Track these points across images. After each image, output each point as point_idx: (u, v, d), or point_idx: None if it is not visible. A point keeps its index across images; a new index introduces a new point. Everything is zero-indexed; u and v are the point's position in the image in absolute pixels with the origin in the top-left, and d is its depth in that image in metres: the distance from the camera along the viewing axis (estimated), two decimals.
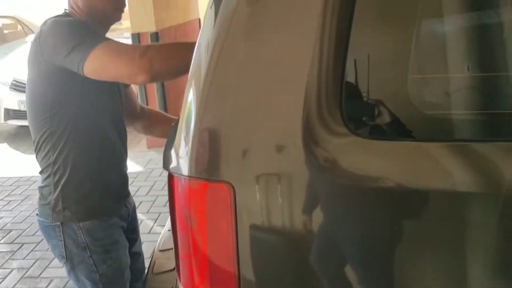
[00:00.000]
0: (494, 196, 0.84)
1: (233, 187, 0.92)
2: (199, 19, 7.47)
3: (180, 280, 1.05)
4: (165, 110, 5.23)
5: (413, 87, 0.95)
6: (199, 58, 0.96)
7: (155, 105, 5.24)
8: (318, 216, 0.92)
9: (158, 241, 1.75)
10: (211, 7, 0.98)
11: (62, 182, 1.51)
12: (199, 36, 0.99)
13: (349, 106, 0.90)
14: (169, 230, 1.74)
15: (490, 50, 0.94)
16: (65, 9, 1.57)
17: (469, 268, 0.88)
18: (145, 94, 5.23)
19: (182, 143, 0.98)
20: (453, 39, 0.96)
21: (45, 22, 1.47)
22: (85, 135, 1.51)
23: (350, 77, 0.92)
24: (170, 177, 1.02)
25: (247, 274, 0.96)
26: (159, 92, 5.20)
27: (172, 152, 1.02)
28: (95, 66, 1.36)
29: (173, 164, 1.01)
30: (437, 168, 0.87)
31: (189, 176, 0.96)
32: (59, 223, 1.53)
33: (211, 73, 0.93)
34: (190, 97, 0.97)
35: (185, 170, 0.96)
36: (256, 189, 0.92)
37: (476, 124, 0.94)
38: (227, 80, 0.93)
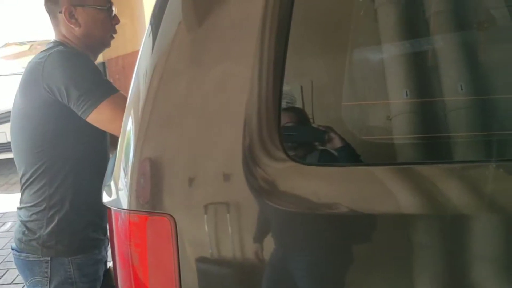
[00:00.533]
0: (436, 218, 0.86)
1: (174, 219, 0.90)
2: None
3: None
4: None
5: (348, 113, 0.97)
6: (138, 86, 0.94)
7: None
8: (262, 244, 0.91)
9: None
10: (149, 36, 0.97)
11: (58, 216, 1.45)
12: (136, 64, 0.97)
13: (287, 132, 0.91)
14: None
15: (422, 76, 0.97)
16: (54, 40, 1.51)
17: None
18: None
19: (122, 174, 0.95)
20: (386, 66, 0.99)
21: (48, 54, 1.40)
22: (86, 166, 1.46)
23: (287, 104, 0.93)
24: (109, 212, 0.98)
25: None
26: None
27: (112, 184, 0.99)
28: (101, 118, 1.35)
29: (113, 197, 0.98)
30: (374, 191, 0.88)
31: (129, 210, 0.92)
32: (48, 258, 1.47)
33: (151, 101, 0.91)
34: (129, 126, 0.94)
35: (124, 203, 0.93)
36: (198, 220, 0.90)
37: (405, 147, 0.97)
38: (168, 109, 0.92)
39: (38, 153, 1.42)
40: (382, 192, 0.88)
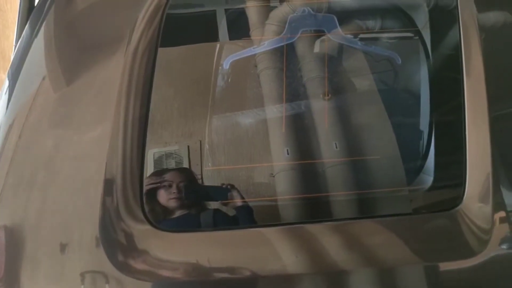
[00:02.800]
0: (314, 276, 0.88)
1: None
2: None
3: None
4: None
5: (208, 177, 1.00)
6: None
7: None
8: None
9: None
10: (5, 93, 0.92)
11: None
12: None
13: (149, 196, 0.91)
14: None
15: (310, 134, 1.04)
16: None
17: None
18: None
19: None
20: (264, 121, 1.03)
21: None
22: None
23: (150, 168, 0.94)
24: None
25: None
26: None
27: None
28: None
29: None
30: (238, 254, 0.88)
31: None
32: None
33: (8, 162, 0.84)
34: None
35: None
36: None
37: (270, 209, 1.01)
38: (28, 171, 0.85)
39: None
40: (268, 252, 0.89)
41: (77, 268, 0.83)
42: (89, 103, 0.88)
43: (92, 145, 0.87)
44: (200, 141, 0.97)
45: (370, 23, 1.09)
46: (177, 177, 0.97)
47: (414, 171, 1.03)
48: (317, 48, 1.07)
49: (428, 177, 1.01)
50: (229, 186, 0.96)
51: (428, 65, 1.07)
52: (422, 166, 1.03)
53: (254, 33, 1.05)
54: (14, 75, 0.91)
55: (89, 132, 0.88)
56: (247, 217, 0.96)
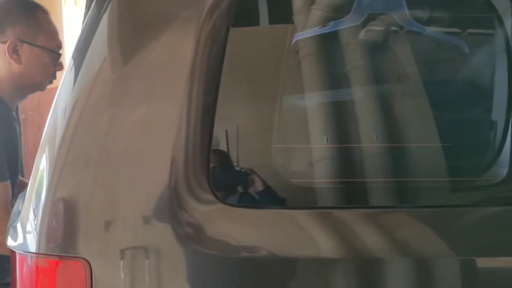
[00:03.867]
0: (355, 262, 0.87)
1: (89, 264, 0.83)
2: None
3: None
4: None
5: (278, 157, 0.98)
6: (55, 123, 0.90)
7: None
8: None
9: None
10: (70, 70, 0.93)
11: None
12: (55, 99, 0.93)
13: (217, 174, 0.89)
14: None
15: (346, 123, 1.02)
16: None
17: None
18: None
19: (31, 215, 0.88)
20: (312, 113, 1.02)
21: None
22: None
23: (218, 146, 0.92)
24: (14, 256, 0.89)
25: None
26: None
27: (18, 226, 0.91)
28: None
29: (19, 240, 0.90)
30: (303, 236, 0.88)
31: (37, 253, 0.85)
32: None
33: (68, 139, 0.87)
34: (43, 164, 0.89)
35: (32, 246, 0.86)
36: (119, 265, 0.85)
37: (338, 192, 0.99)
38: (87, 148, 0.88)
39: None
40: (309, 236, 0.88)
41: (136, 243, 0.85)
42: (156, 82, 0.89)
43: (158, 123, 0.88)
44: (237, 126, 0.96)
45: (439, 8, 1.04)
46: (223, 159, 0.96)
47: (484, 163, 0.99)
48: (366, 35, 1.03)
49: (502, 170, 0.96)
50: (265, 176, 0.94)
51: (507, 52, 1.02)
52: (495, 159, 0.98)
53: (297, 18, 1.02)
54: (80, 54, 0.91)
55: (155, 109, 0.89)
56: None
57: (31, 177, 0.92)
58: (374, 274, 0.86)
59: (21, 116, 4.81)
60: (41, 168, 0.89)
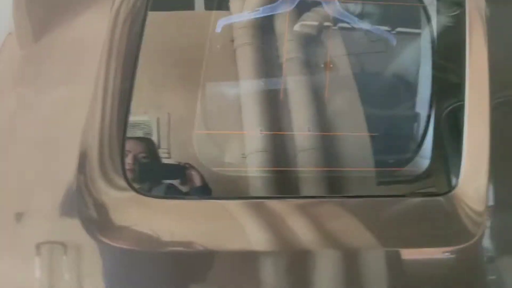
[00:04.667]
0: (285, 254, 0.87)
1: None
2: None
3: None
4: None
5: (199, 145, 0.95)
6: None
7: None
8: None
9: None
10: None
11: None
12: None
13: (132, 164, 0.86)
14: None
15: (279, 114, 1.00)
16: None
17: None
18: None
19: None
20: (245, 102, 1.00)
21: None
22: None
23: (134, 134, 0.89)
24: None
25: None
26: None
27: None
28: None
29: None
30: (223, 226, 0.86)
31: None
32: None
33: None
34: None
35: None
36: (29, 262, 0.78)
37: (267, 182, 0.98)
38: None
39: None
40: (233, 227, 0.86)
41: (43, 238, 0.79)
42: (68, 63, 0.84)
43: (69, 107, 0.82)
44: (169, 114, 0.93)
45: None
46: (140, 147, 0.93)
47: (407, 153, 1.03)
48: (300, 27, 1.04)
49: (424, 160, 1.00)
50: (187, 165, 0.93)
51: (432, 44, 1.06)
52: (418, 149, 1.02)
53: (233, 4, 1.01)
54: None
55: (67, 92, 0.83)
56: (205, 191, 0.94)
57: None
58: (304, 266, 0.86)
59: None
60: None
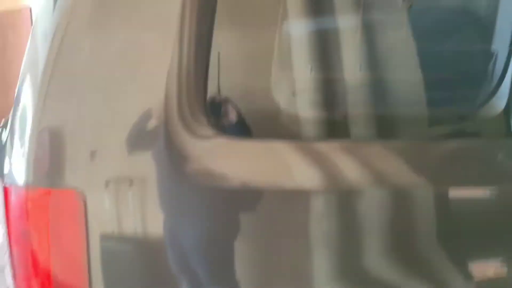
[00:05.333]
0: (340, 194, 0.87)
1: (82, 193, 0.81)
2: (30, 8, 6.75)
3: None
4: None
5: (275, 88, 0.95)
6: (35, 48, 0.83)
7: None
8: (176, 223, 0.86)
9: None
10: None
11: None
12: (34, 22, 0.86)
13: (213, 106, 0.86)
14: None
15: (330, 53, 0.98)
16: None
17: (314, 266, 0.88)
18: None
19: (17, 147, 0.84)
20: (297, 41, 0.97)
21: None
22: None
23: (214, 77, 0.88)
24: (2, 188, 0.86)
25: None
26: None
27: (3, 158, 0.87)
28: None
29: (5, 171, 0.86)
30: (298, 167, 0.86)
31: (26, 184, 0.82)
32: None
33: (51, 66, 0.81)
34: (25, 93, 0.83)
35: (20, 177, 0.82)
36: (108, 194, 0.83)
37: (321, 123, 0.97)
38: (71, 75, 0.82)
39: None
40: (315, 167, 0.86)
41: (128, 172, 0.83)
42: (146, 7, 0.83)
43: (151, 48, 0.83)
44: (218, 53, 0.91)
45: None
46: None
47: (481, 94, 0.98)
48: None
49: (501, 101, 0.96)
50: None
51: None
52: (495, 90, 0.97)
53: None
54: None
55: (146, 35, 0.83)
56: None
57: (14, 106, 0.86)
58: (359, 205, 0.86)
59: None
60: (23, 97, 0.84)
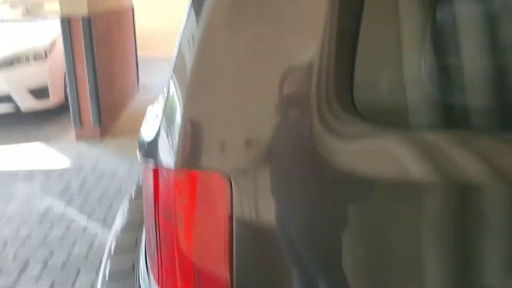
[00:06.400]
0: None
1: (229, 177, 0.83)
2: (133, 8, 7.17)
3: (159, 284, 0.93)
4: (97, 100, 4.96)
5: (430, 72, 0.89)
6: (182, 52, 0.87)
7: (86, 94, 4.95)
8: (322, 212, 0.84)
9: (109, 244, 1.59)
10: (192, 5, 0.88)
11: None
12: (181, 29, 0.88)
13: (360, 92, 0.83)
14: (121, 232, 1.60)
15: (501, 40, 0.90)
16: None
17: (427, 261, 0.85)
18: (75, 83, 4.91)
19: (164, 133, 0.89)
20: (468, 26, 0.91)
21: None
22: None
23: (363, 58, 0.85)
24: (148, 170, 0.90)
25: (241, 279, 0.86)
26: (90, 82, 4.91)
27: (151, 140, 0.91)
28: None
29: (153, 153, 0.90)
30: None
31: (176, 167, 0.85)
32: None
33: (195, 68, 0.85)
34: (172, 90, 0.88)
35: (170, 159, 0.85)
36: (256, 180, 0.83)
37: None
38: (209, 71, 0.85)
39: None
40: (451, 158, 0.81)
41: (276, 159, 0.83)
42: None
43: (294, 47, 0.82)
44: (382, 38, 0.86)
45: None
46: None
47: None
48: None
49: None
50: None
51: None
52: None
53: None
54: None
55: (294, 26, 0.82)
56: None
57: (159, 103, 0.90)
58: None
59: (94, 35, 4.91)
60: (170, 93, 0.88)
